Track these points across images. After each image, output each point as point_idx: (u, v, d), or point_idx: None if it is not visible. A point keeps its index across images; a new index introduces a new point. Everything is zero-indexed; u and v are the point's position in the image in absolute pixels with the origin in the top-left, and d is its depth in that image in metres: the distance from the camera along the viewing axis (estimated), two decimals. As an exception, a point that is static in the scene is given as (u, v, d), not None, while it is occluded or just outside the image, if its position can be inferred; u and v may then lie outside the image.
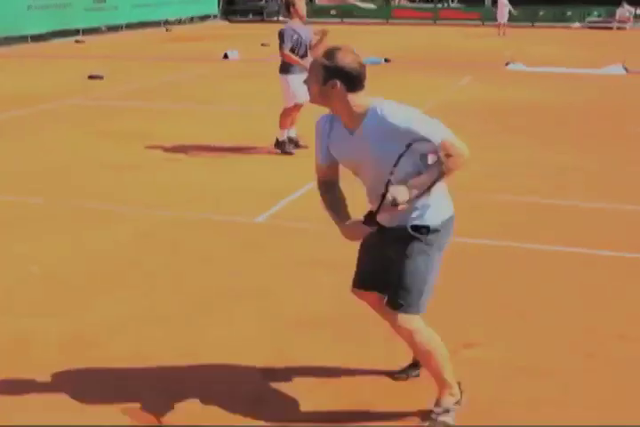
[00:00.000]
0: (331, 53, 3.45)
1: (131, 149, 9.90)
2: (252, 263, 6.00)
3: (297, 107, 9.64)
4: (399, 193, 3.44)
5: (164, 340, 4.71)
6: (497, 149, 9.87)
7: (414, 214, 3.64)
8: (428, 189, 3.51)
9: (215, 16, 37.94)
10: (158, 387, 4.15)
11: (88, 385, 4.17)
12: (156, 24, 32.74)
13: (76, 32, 27.68)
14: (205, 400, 4.03)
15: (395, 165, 3.39)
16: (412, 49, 23.09)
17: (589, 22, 33.67)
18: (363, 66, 3.49)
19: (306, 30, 9.58)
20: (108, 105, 13.53)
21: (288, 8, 9.62)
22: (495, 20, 29.33)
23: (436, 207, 3.67)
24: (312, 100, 3.61)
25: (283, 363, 4.43)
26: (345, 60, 3.43)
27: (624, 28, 31.94)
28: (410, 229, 3.64)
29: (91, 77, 16.50)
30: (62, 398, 4.03)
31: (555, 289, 5.53)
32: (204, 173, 8.76)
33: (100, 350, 4.56)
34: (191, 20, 36.43)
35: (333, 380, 4.23)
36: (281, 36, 9.41)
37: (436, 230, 3.67)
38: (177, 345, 4.65)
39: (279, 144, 9.72)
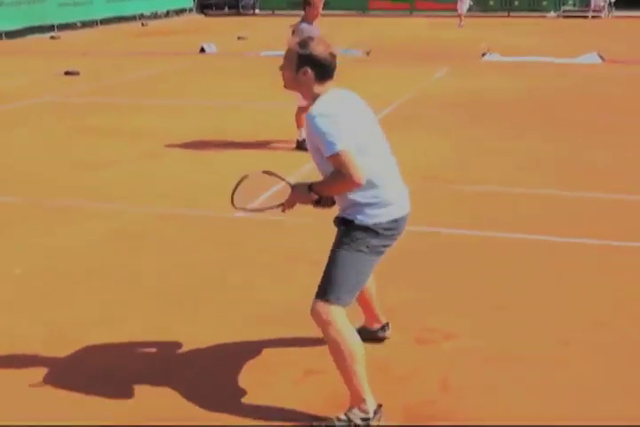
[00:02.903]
0: (305, 43, 3.69)
1: (108, 145, 9.85)
2: (230, 258, 6.01)
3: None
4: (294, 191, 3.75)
5: (135, 336, 4.72)
6: (473, 139, 9.90)
7: (349, 209, 3.76)
8: (323, 192, 3.69)
9: (191, 10, 37.69)
10: (138, 384, 4.17)
11: (69, 380, 4.18)
12: (132, 19, 32.51)
13: (51, 28, 27.44)
14: (188, 398, 4.04)
15: (316, 162, 3.74)
16: (389, 41, 23.08)
17: (565, 11, 33.76)
18: (333, 56, 3.71)
19: (316, 29, 9.31)
20: (85, 101, 13.45)
21: (305, 6, 9.34)
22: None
23: (366, 210, 3.73)
24: (285, 86, 3.84)
25: (261, 357, 4.45)
26: (317, 49, 3.66)
27: (599, 17, 32.06)
28: (338, 220, 3.81)
29: (67, 73, 16.36)
30: (47, 394, 4.04)
31: (530, 278, 5.58)
32: (182, 169, 8.73)
33: (79, 346, 4.57)
34: (167, 14, 36.18)
35: (314, 373, 4.25)
36: (294, 33, 9.15)
37: (365, 228, 3.72)
38: (146, 343, 4.65)
39: (300, 144, 9.20)
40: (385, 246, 3.81)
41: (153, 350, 4.57)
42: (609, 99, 13.16)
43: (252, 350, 4.53)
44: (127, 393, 4.07)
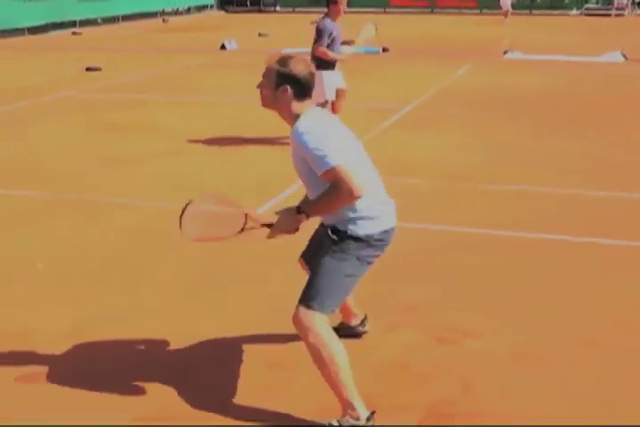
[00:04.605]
0: (284, 61, 3.68)
1: (129, 142, 9.88)
2: (243, 252, 5.97)
3: (341, 98, 9.52)
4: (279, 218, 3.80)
5: (156, 330, 4.72)
6: (493, 137, 9.84)
7: (341, 219, 3.71)
8: (318, 212, 3.70)
9: (212, 6, 37.78)
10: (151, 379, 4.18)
11: (88, 376, 4.20)
12: (153, 15, 32.66)
13: (73, 24, 27.62)
14: (204, 397, 4.04)
15: (304, 180, 3.75)
16: (411, 38, 23.03)
17: (587, 9, 33.55)
18: (312, 75, 3.74)
19: (338, 27, 9.39)
20: (106, 97, 13.50)
21: (329, 3, 9.32)
22: (496, 8, 29.57)
23: (358, 221, 3.69)
24: (263, 104, 3.84)
25: (276, 355, 4.44)
26: (297, 67, 3.67)
27: (622, 15, 31.84)
28: (329, 230, 3.75)
29: (88, 69, 16.45)
30: (65, 389, 4.06)
31: (554, 278, 5.54)
32: (202, 166, 8.73)
33: (95, 341, 4.60)
34: (188, 10, 36.32)
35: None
36: (320, 32, 9.17)
37: (356, 239, 3.68)
38: (167, 336, 4.65)
39: None
40: (374, 257, 3.79)
41: (166, 345, 4.56)
42: (634, 98, 13.05)
43: (263, 346, 4.52)
44: (138, 389, 4.07)
